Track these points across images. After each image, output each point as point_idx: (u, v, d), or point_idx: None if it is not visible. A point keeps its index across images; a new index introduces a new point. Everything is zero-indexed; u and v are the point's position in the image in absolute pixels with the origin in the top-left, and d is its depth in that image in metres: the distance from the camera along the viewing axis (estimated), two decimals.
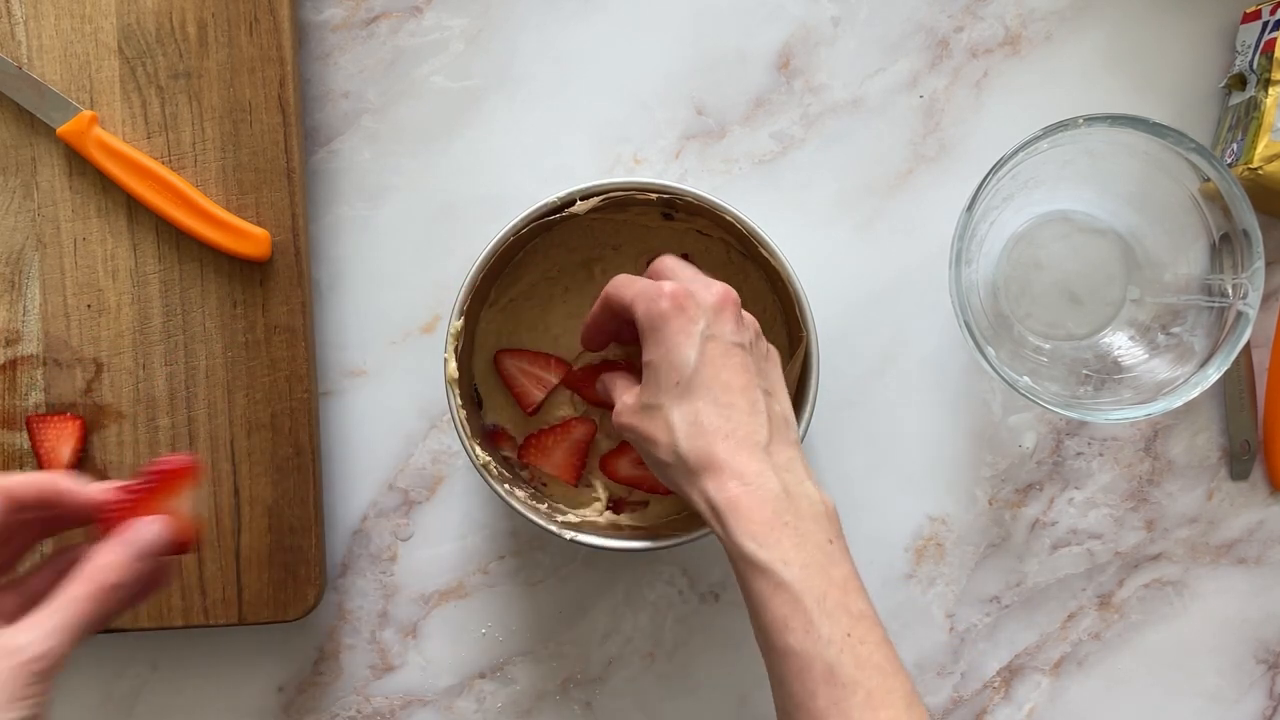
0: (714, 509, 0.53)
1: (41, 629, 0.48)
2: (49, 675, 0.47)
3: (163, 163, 0.66)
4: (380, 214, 0.70)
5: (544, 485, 0.67)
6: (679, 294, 0.56)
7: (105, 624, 0.51)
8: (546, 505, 0.65)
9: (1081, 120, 0.61)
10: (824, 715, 0.49)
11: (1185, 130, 0.61)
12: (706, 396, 0.54)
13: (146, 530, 0.51)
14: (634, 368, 0.67)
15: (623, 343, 0.66)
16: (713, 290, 0.57)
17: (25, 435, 0.66)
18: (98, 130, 0.66)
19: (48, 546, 0.64)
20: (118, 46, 0.66)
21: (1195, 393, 0.61)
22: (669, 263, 0.59)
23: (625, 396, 0.58)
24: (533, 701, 0.70)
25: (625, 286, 0.58)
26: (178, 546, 0.52)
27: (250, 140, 0.67)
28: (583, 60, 0.71)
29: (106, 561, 0.50)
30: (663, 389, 0.55)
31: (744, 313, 0.58)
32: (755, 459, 0.53)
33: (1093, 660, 0.70)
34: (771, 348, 0.59)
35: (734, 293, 0.57)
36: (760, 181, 0.70)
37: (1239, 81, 0.68)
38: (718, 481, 0.53)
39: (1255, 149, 0.64)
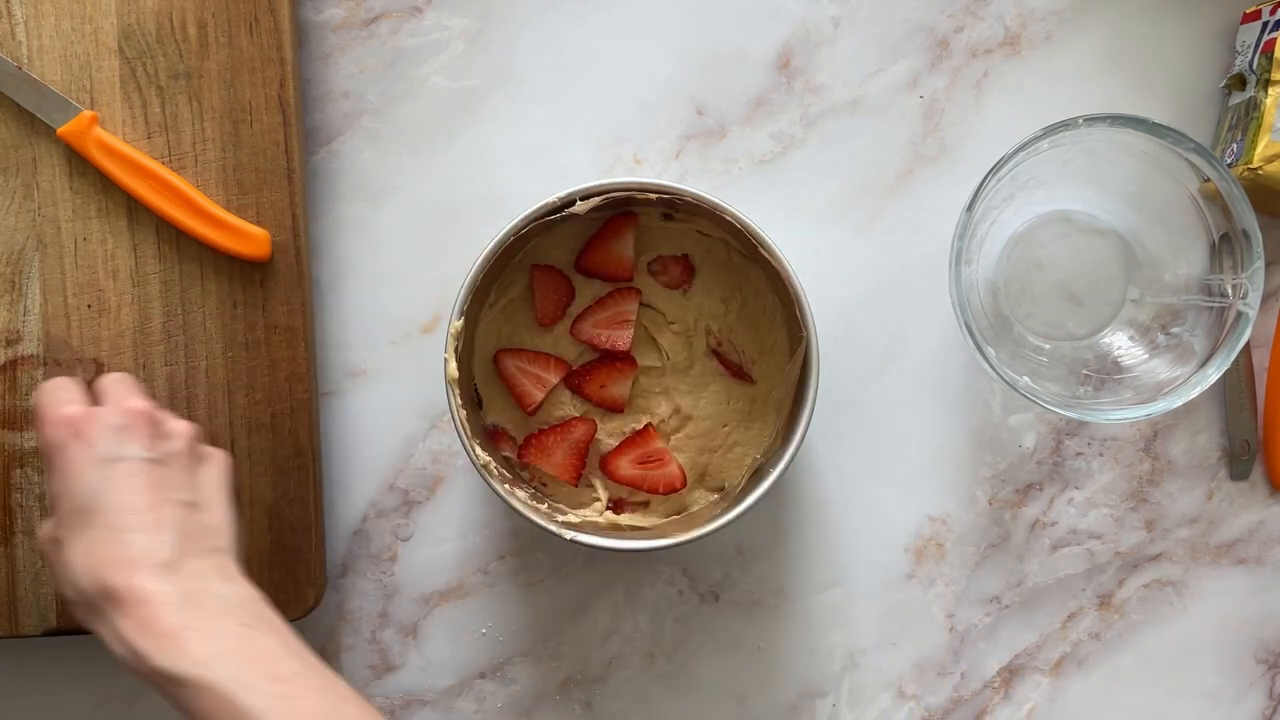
0: (121, 639, 0.50)
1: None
2: None
3: (163, 163, 0.66)
4: (380, 214, 0.70)
5: (544, 485, 0.67)
6: (77, 419, 0.55)
7: None
8: (546, 505, 0.65)
9: (1081, 120, 0.61)
10: None
11: (1185, 130, 0.61)
12: (106, 524, 0.52)
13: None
14: (635, 363, 0.67)
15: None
16: (120, 408, 0.55)
17: (26, 435, 0.66)
18: (98, 130, 0.66)
19: None
20: (118, 46, 0.66)
21: (1195, 393, 0.61)
22: (103, 383, 0.58)
23: (45, 524, 0.56)
24: (533, 701, 0.70)
25: (37, 396, 0.57)
26: None
27: (250, 140, 0.67)
28: (583, 60, 0.71)
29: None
30: (63, 520, 0.54)
31: (176, 424, 0.57)
32: (155, 578, 0.51)
33: (1093, 660, 0.70)
34: (214, 453, 0.58)
35: (144, 406, 0.56)
36: (760, 181, 0.70)
37: (1239, 81, 0.68)
38: (119, 609, 0.51)
39: (1255, 149, 0.64)
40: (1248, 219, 0.60)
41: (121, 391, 0.57)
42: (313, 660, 0.52)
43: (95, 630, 0.52)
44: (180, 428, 0.57)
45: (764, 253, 0.63)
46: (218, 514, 0.56)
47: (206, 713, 0.49)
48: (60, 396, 0.56)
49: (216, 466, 0.58)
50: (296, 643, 0.52)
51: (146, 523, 0.53)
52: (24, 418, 0.66)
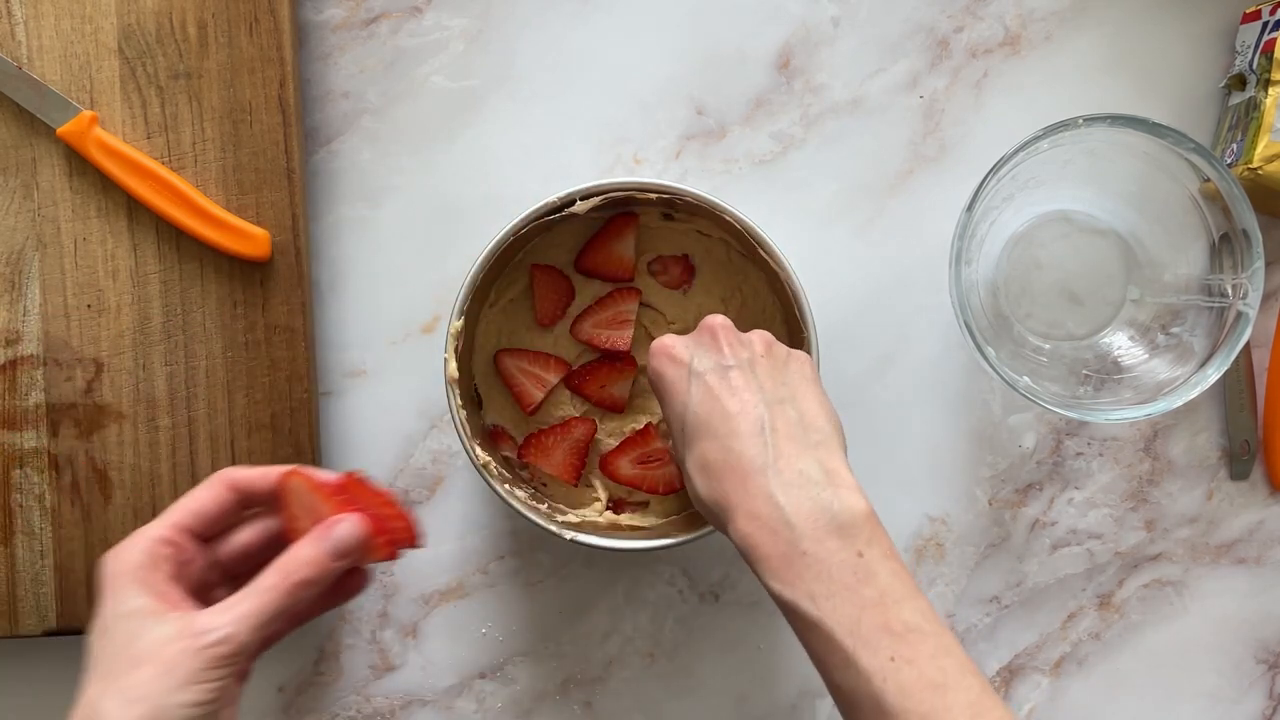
0: (739, 549, 0.51)
1: (227, 615, 0.48)
2: (228, 661, 0.48)
3: (163, 163, 0.66)
4: (380, 214, 0.70)
5: (544, 485, 0.67)
6: (668, 346, 0.57)
7: (296, 622, 0.51)
8: (546, 505, 0.65)
9: (1081, 120, 0.61)
10: None
11: (1185, 130, 0.61)
12: (705, 435, 0.53)
13: (344, 529, 0.51)
14: (635, 363, 0.67)
15: None
16: (701, 325, 0.57)
17: (25, 435, 0.66)
18: (98, 130, 0.66)
19: None
20: (118, 47, 0.66)
21: (1195, 393, 0.61)
22: (706, 320, 0.58)
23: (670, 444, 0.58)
24: (533, 701, 0.70)
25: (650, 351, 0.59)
26: (380, 551, 0.51)
27: (250, 140, 0.67)
28: (583, 60, 0.71)
29: (301, 556, 0.50)
30: (677, 441, 0.56)
31: (748, 334, 0.57)
32: (762, 486, 0.51)
33: (1093, 660, 0.70)
34: (795, 353, 0.57)
35: (719, 319, 0.57)
36: (760, 181, 0.70)
37: (1239, 81, 0.68)
38: (734, 523, 0.51)
39: (1255, 149, 0.64)
40: (1248, 219, 0.60)
41: (704, 319, 0.58)
42: (926, 605, 0.49)
43: (714, 521, 0.54)
44: (757, 334, 0.57)
45: (764, 253, 0.63)
46: (810, 407, 0.54)
47: (814, 648, 0.49)
48: (657, 341, 0.58)
49: (800, 363, 0.57)
50: (909, 577, 0.50)
51: (741, 428, 0.53)
52: (24, 418, 0.66)
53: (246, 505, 0.54)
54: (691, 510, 0.67)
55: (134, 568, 0.50)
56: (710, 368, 0.55)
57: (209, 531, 0.53)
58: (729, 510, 0.52)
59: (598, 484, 0.67)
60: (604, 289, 0.67)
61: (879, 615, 0.48)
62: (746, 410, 0.53)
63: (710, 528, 0.61)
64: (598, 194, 0.63)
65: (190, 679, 0.47)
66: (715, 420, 0.53)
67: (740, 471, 0.52)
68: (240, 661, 0.49)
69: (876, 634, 0.48)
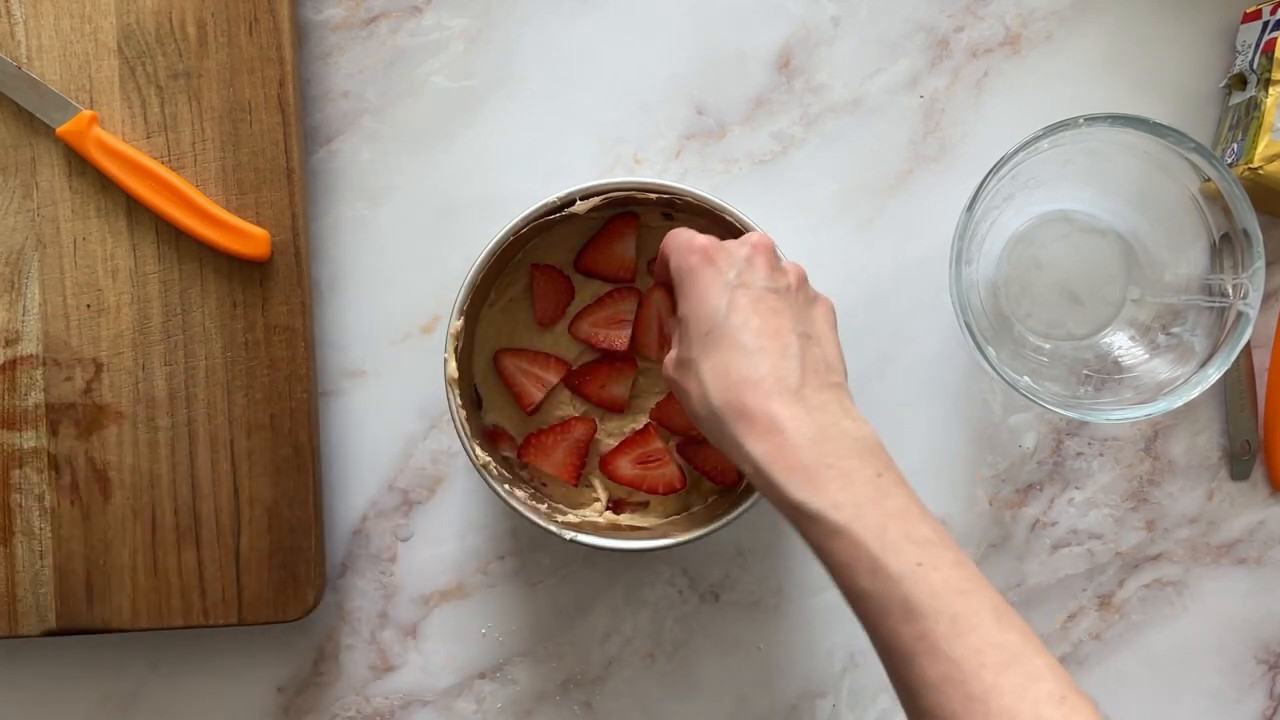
0: (753, 463, 0.51)
1: None
2: None
3: (162, 163, 0.66)
4: (380, 214, 0.70)
5: (544, 485, 0.67)
6: (708, 248, 0.56)
7: None
8: (546, 505, 0.65)
9: (1081, 120, 0.61)
10: (912, 652, 0.47)
11: (1185, 130, 0.61)
12: (735, 345, 0.53)
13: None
14: (635, 363, 0.67)
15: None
16: (747, 240, 0.57)
17: (25, 435, 0.66)
18: (97, 130, 0.66)
19: None
20: (117, 46, 0.66)
21: (1195, 393, 0.61)
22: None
23: (670, 353, 0.57)
24: (533, 701, 0.70)
25: (668, 240, 0.58)
26: None
27: (250, 140, 0.67)
28: (583, 60, 0.71)
29: None
30: (694, 341, 0.55)
31: (787, 262, 0.57)
32: (787, 404, 0.51)
33: (1093, 660, 0.70)
34: (822, 296, 0.58)
35: (768, 240, 0.57)
36: (760, 181, 0.70)
37: (1239, 81, 0.68)
38: (753, 433, 0.51)
39: (1255, 149, 0.64)
40: (1248, 219, 0.60)
41: (743, 236, 0.58)
42: (937, 524, 0.50)
43: (722, 448, 0.53)
44: (794, 266, 0.57)
45: None
46: (832, 349, 0.56)
47: (838, 555, 0.49)
48: (688, 234, 0.57)
49: (826, 307, 0.57)
50: (920, 501, 0.51)
51: (774, 348, 0.53)
52: (23, 418, 0.66)
53: None
54: (691, 510, 0.67)
55: None
56: (751, 283, 0.55)
57: None
58: (747, 421, 0.52)
59: (598, 484, 0.67)
60: (604, 289, 0.67)
61: (902, 525, 0.49)
62: (782, 334, 0.53)
63: (711, 527, 0.61)
64: (598, 194, 0.62)
65: None
66: (748, 335, 0.53)
67: (765, 388, 0.52)
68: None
69: (902, 542, 0.49)
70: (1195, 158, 0.61)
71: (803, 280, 0.57)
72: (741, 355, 0.53)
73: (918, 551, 0.48)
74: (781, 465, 0.50)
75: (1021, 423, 0.70)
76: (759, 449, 0.51)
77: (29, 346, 0.67)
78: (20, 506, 0.66)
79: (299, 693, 0.70)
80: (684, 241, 0.57)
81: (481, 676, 0.70)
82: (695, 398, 0.54)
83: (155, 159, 0.66)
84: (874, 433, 0.53)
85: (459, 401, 0.62)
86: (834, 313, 0.58)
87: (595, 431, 0.67)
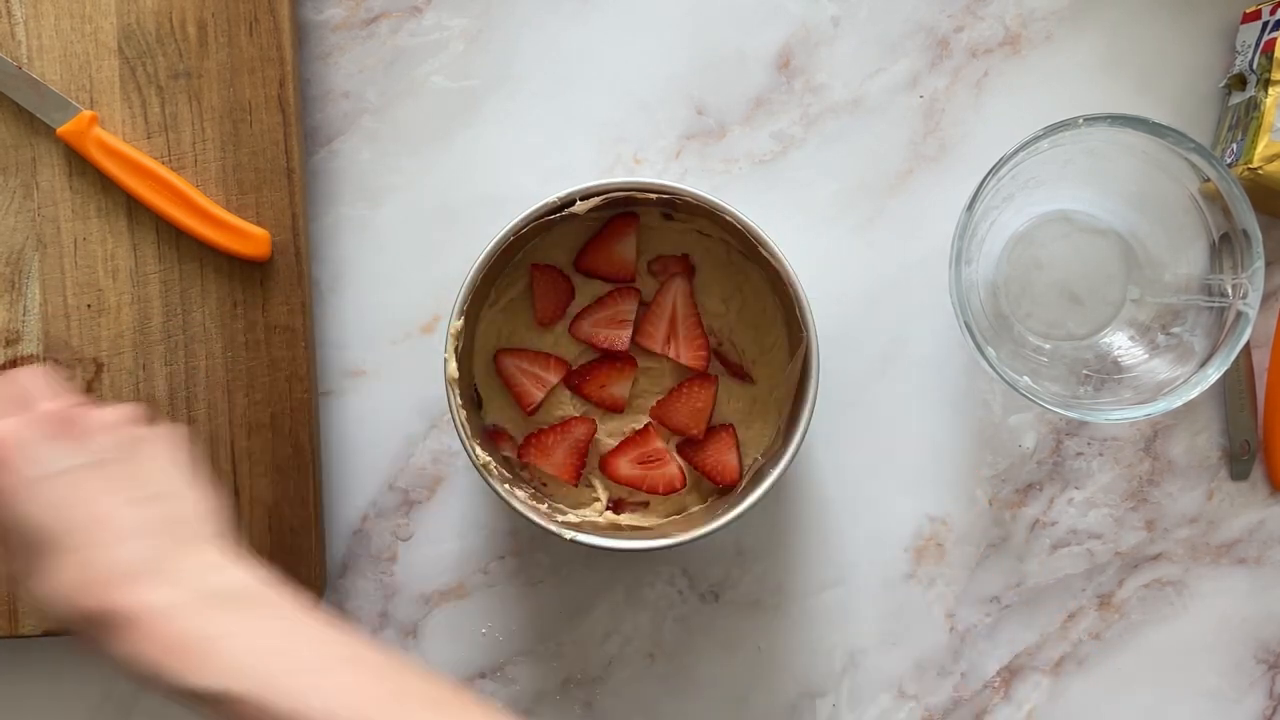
0: (136, 660, 0.45)
1: None
2: None
3: (163, 163, 0.66)
4: (380, 214, 0.70)
5: (544, 485, 0.67)
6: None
7: None
8: (546, 505, 0.65)
9: (1081, 120, 0.61)
10: None
11: (1185, 130, 0.61)
12: (62, 548, 0.47)
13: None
14: (635, 363, 0.67)
15: None
16: (33, 419, 0.49)
17: None
18: (98, 130, 0.66)
19: None
20: (118, 46, 0.66)
21: (1195, 393, 0.61)
22: (9, 386, 0.51)
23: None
24: (533, 701, 0.70)
25: None
26: None
27: (250, 140, 0.67)
28: (583, 60, 0.71)
29: None
30: (16, 555, 0.48)
31: (102, 414, 0.50)
32: (149, 590, 0.46)
33: (1093, 660, 0.70)
34: (154, 434, 0.51)
35: (58, 408, 0.50)
36: (760, 181, 0.70)
37: (1239, 81, 0.68)
38: (124, 632, 0.45)
39: (1255, 149, 0.64)
40: (1248, 219, 0.60)
41: (31, 392, 0.51)
42: (333, 634, 0.47)
43: (100, 654, 0.47)
44: (108, 417, 0.50)
45: (764, 253, 0.63)
46: (183, 497, 0.50)
47: None
48: None
49: (163, 446, 0.51)
50: (314, 621, 0.48)
51: (109, 534, 0.47)
52: None
53: None
54: (691, 510, 0.67)
55: None
56: (55, 470, 0.48)
57: None
58: (114, 623, 0.46)
59: (598, 484, 0.67)
60: (604, 289, 0.67)
61: (288, 661, 0.47)
62: (112, 516, 0.48)
63: (711, 527, 0.61)
64: (598, 194, 0.62)
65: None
66: (70, 533, 0.47)
67: (112, 583, 0.46)
68: None
69: (295, 678, 0.46)
70: (1195, 158, 0.61)
71: (125, 428, 0.51)
72: (75, 556, 0.47)
73: (311, 679, 0.45)
74: (167, 652, 0.45)
75: (1021, 423, 0.70)
76: (139, 645, 0.45)
77: (29, 346, 0.67)
78: None
79: None
80: None
81: (481, 676, 0.70)
82: (46, 611, 0.47)
83: (155, 159, 0.66)
84: (247, 577, 0.48)
85: (459, 401, 0.62)
86: (175, 446, 0.51)
87: (595, 431, 0.67)
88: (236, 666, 0.45)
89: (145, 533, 0.48)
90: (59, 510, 0.47)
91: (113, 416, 0.51)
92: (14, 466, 0.48)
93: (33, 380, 0.52)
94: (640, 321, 0.67)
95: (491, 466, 0.62)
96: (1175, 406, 0.61)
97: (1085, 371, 0.68)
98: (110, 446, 0.50)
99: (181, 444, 0.52)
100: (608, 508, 0.67)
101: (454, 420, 0.62)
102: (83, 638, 0.47)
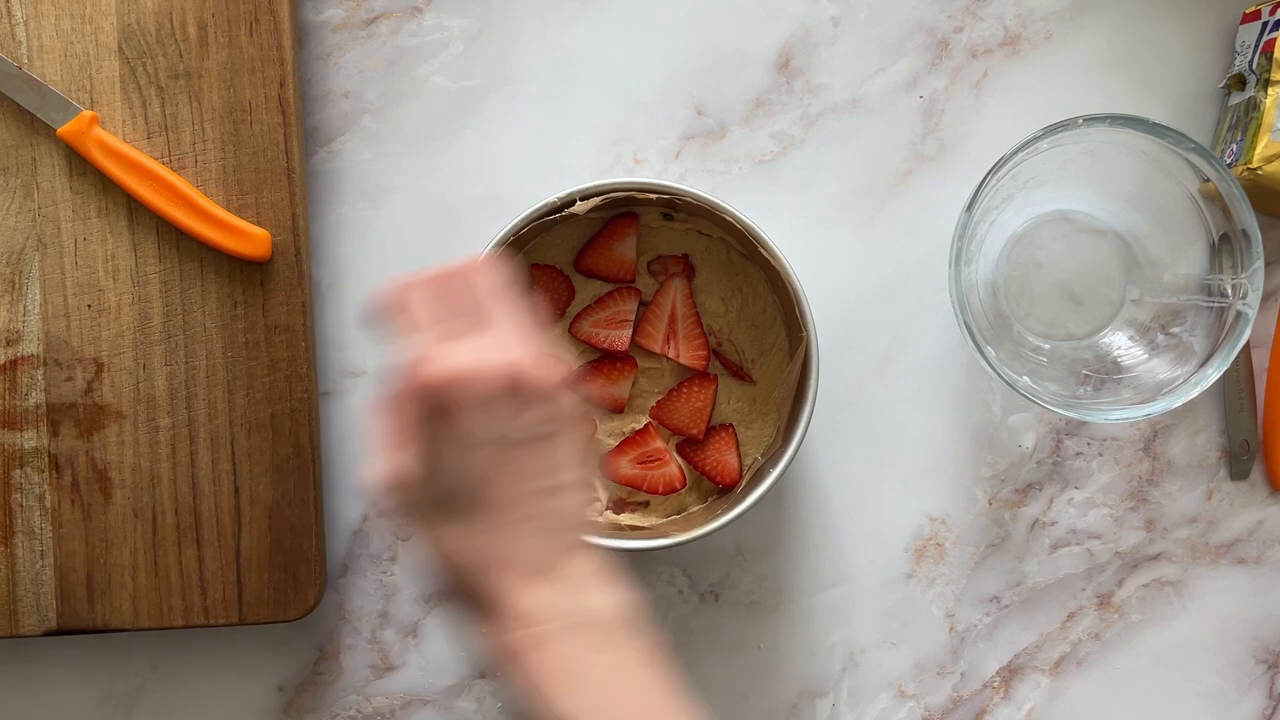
0: (502, 654, 0.46)
1: None
2: None
3: (163, 163, 0.66)
4: (381, 214, 0.70)
5: None
6: (436, 389, 0.46)
7: None
8: None
9: (1081, 120, 0.61)
10: None
11: (1185, 130, 0.61)
12: (476, 515, 0.47)
13: None
14: (635, 363, 0.67)
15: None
16: (489, 371, 0.46)
17: (26, 435, 0.66)
18: (98, 130, 0.66)
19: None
20: (118, 46, 0.66)
21: (1195, 393, 0.61)
22: (463, 289, 0.49)
23: (400, 491, 0.48)
24: None
25: (395, 385, 0.47)
26: None
27: (250, 140, 0.67)
28: (583, 60, 0.71)
29: None
30: (425, 498, 0.47)
31: (541, 382, 0.47)
32: (532, 593, 0.46)
33: (1093, 660, 0.70)
34: (571, 416, 0.49)
35: (512, 367, 0.47)
36: (760, 181, 0.70)
37: (1239, 81, 0.68)
38: (501, 622, 0.46)
39: (1255, 149, 0.64)
40: (1247, 219, 0.60)
41: (482, 303, 0.48)
42: (664, 688, 0.48)
43: (467, 625, 0.48)
44: (547, 385, 0.47)
45: (764, 253, 0.63)
46: (575, 496, 0.49)
47: None
48: (414, 339, 0.48)
49: (577, 433, 0.49)
50: (653, 669, 0.48)
51: (514, 522, 0.47)
52: (24, 417, 0.66)
53: None
54: (691, 510, 0.67)
55: None
56: (488, 439, 0.47)
57: None
58: (496, 611, 0.47)
59: (597, 484, 0.67)
60: (604, 289, 0.67)
61: None
62: (522, 500, 0.48)
63: (711, 527, 0.61)
64: (598, 194, 0.63)
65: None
66: (486, 506, 0.47)
67: (510, 571, 0.47)
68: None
69: None
70: (1194, 158, 0.61)
71: (554, 404, 0.48)
72: (485, 529, 0.47)
73: None
74: (530, 664, 0.46)
75: (1021, 423, 0.70)
76: (500, 643, 0.46)
77: (30, 346, 0.67)
78: (21, 506, 0.66)
79: (299, 692, 0.70)
80: (404, 372, 0.47)
81: (481, 676, 0.70)
82: (435, 561, 0.48)
83: (156, 159, 0.66)
84: (623, 603, 0.48)
85: None
86: (586, 436, 0.49)
87: (595, 431, 0.67)
88: (588, 706, 0.45)
89: (542, 530, 0.47)
90: (478, 481, 0.47)
91: (551, 383, 0.48)
92: (455, 418, 0.46)
93: (485, 280, 0.50)
94: (640, 321, 0.67)
95: None
96: (1175, 406, 0.61)
97: (1085, 371, 0.68)
98: (538, 423, 0.47)
99: (589, 430, 0.50)
100: (608, 508, 0.67)
101: None
102: (459, 607, 0.48)
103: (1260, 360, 0.70)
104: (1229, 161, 0.66)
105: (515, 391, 0.47)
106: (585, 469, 0.50)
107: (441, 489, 0.47)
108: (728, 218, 0.62)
